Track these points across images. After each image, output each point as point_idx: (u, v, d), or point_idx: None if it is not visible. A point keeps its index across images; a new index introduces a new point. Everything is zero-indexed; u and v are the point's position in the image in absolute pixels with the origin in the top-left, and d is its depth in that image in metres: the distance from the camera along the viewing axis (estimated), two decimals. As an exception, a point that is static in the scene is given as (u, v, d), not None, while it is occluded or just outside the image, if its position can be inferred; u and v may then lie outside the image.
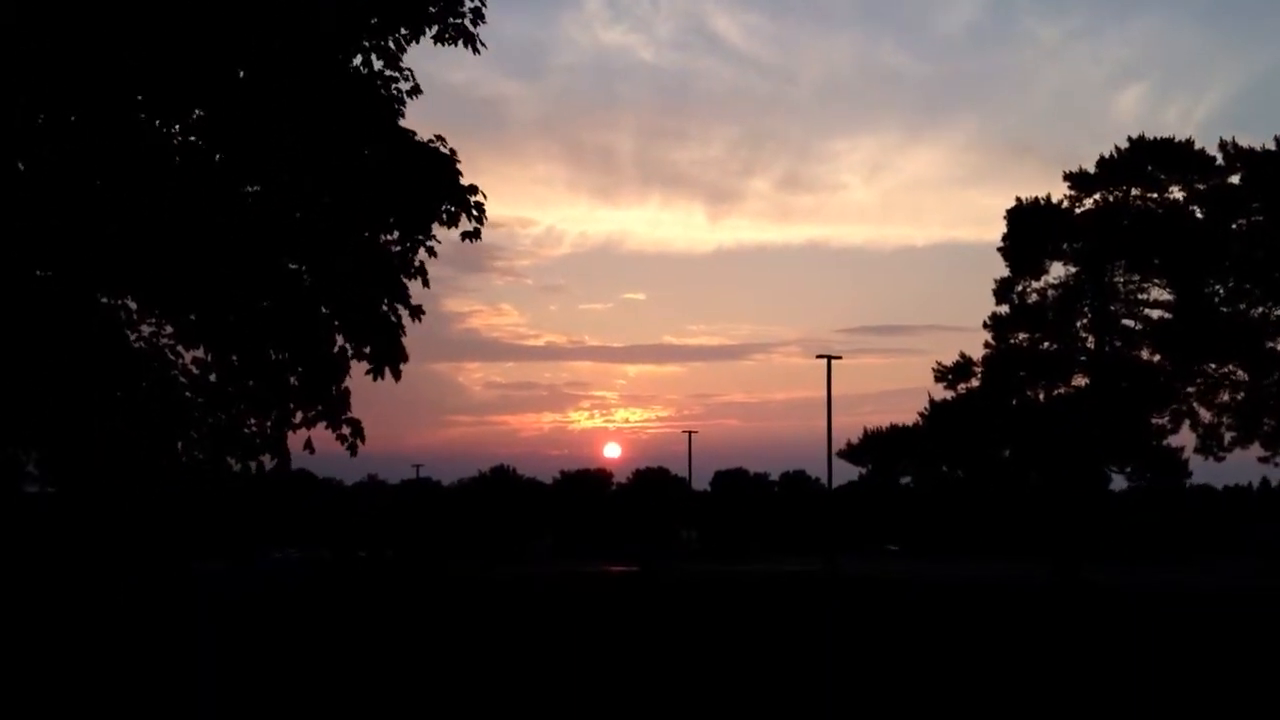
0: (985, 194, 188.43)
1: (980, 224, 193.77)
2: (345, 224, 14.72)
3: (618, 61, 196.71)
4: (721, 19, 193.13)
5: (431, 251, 14.92)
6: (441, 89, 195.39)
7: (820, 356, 65.76)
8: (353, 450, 14.63)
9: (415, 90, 15.07)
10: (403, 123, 14.95)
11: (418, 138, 14.92)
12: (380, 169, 14.53)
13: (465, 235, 14.84)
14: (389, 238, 15.05)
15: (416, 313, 15.03)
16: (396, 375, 14.77)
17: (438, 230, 14.66)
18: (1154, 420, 54.56)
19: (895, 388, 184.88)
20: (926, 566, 62.64)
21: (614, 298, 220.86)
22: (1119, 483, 61.50)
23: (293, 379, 14.66)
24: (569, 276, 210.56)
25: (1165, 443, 56.19)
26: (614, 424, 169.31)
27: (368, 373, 14.66)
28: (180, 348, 14.91)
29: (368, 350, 14.57)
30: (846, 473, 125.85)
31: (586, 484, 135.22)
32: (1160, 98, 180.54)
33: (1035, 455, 55.53)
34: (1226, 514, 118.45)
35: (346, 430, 14.62)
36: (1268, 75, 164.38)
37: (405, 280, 14.88)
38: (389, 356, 14.70)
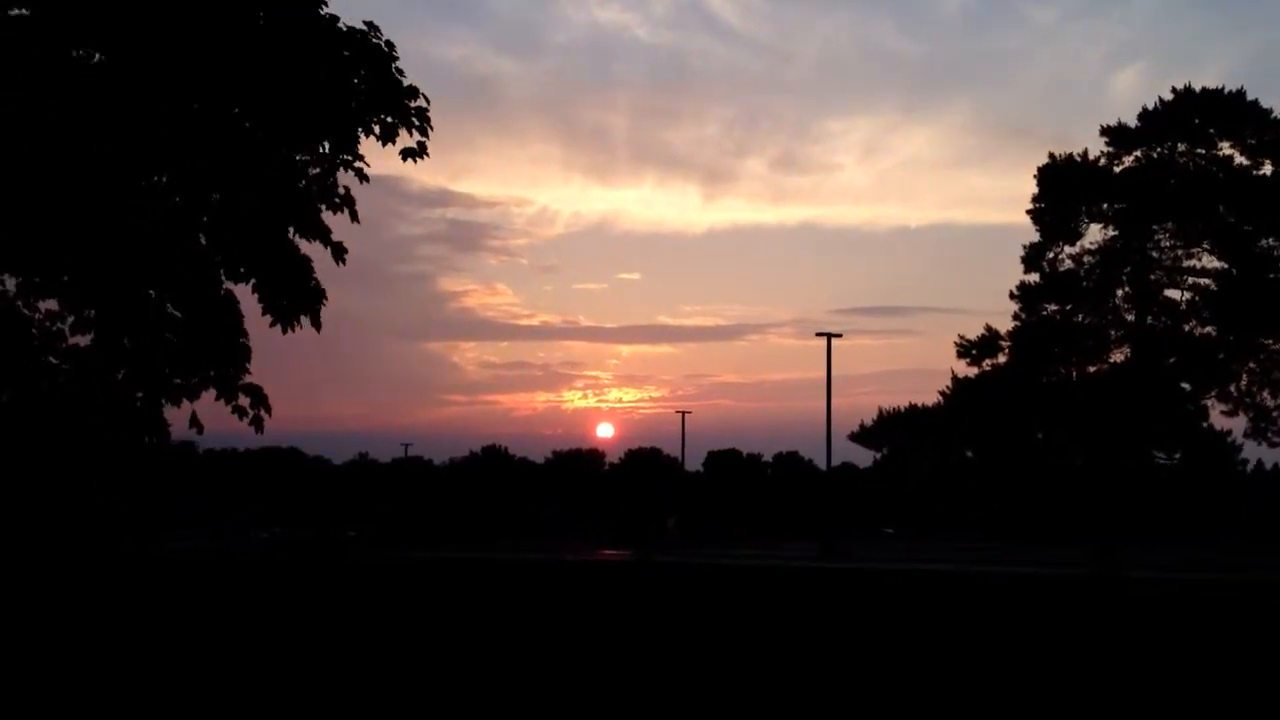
0: (981, 175, 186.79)
1: (976, 205, 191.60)
2: (233, 132, 11.89)
3: (613, 40, 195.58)
4: None
5: (361, 175, 12.30)
6: (436, 65, 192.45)
7: (820, 334, 63.13)
8: (256, 425, 12.11)
9: None
10: (325, 10, 12.01)
11: (341, 24, 12.02)
12: (286, 62, 11.73)
13: (406, 153, 12.08)
14: (301, 157, 12.36)
15: (339, 252, 12.35)
16: (315, 324, 12.25)
17: (369, 146, 12.02)
18: (1202, 400, 49.24)
19: (890, 369, 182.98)
20: (937, 552, 57.93)
21: (608, 278, 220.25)
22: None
23: (171, 336, 11.96)
24: (563, 256, 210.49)
25: (1211, 424, 51.04)
26: (607, 404, 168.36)
27: (274, 323, 12.07)
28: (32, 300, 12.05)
29: (266, 293, 12.03)
30: (854, 454, 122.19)
31: (579, 464, 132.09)
32: (1157, 79, 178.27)
33: (1071, 436, 50.24)
34: None
35: (245, 401, 11.98)
36: (1266, 55, 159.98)
37: (324, 209, 12.33)
38: (297, 300, 12.06)
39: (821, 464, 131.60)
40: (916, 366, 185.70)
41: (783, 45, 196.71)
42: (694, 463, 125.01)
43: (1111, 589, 26.43)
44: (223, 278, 12.12)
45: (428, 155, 12.14)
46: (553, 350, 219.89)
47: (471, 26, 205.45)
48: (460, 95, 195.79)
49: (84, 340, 12.03)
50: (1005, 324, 52.68)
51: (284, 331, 12.22)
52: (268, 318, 12.08)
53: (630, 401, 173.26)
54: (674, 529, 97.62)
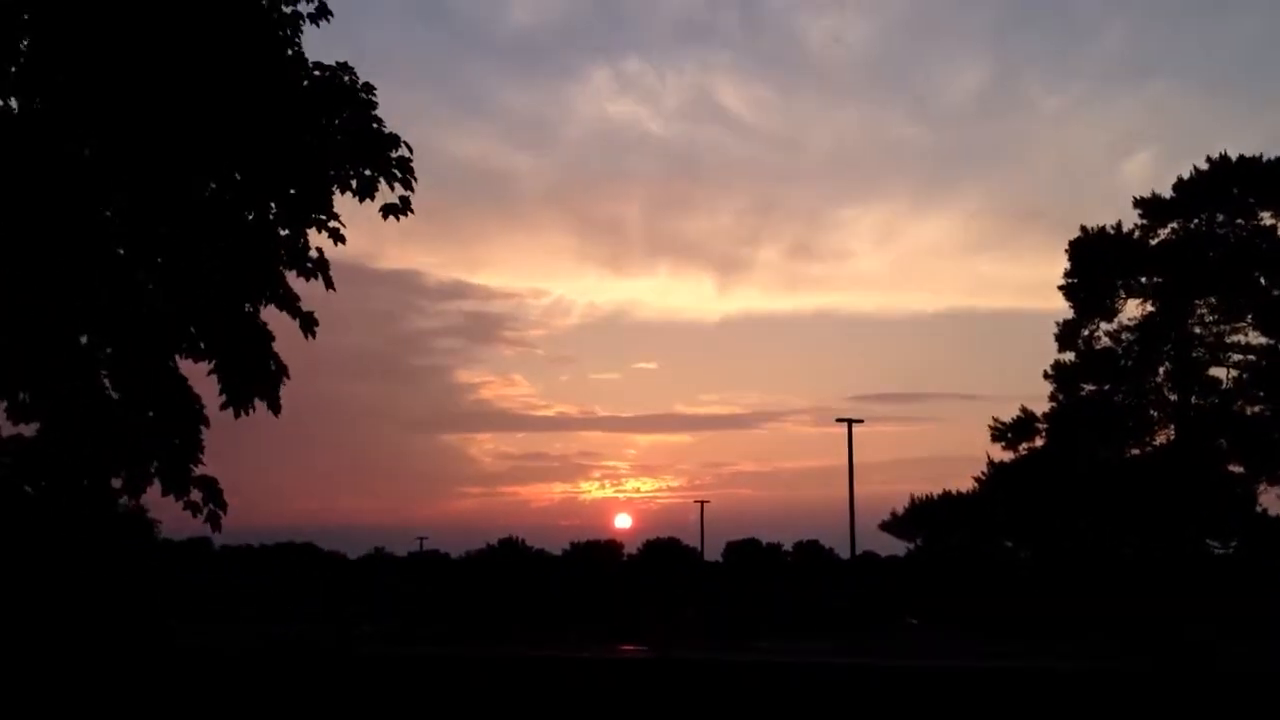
0: (994, 261, 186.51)
1: (991, 291, 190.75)
2: (184, 187, 10.46)
3: (625, 133, 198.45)
4: (728, 91, 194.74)
5: (337, 235, 10.94)
6: (452, 160, 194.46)
7: (840, 420, 62.83)
8: (213, 523, 11.03)
9: (322, 12, 11.01)
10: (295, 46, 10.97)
11: (312, 64, 10.85)
12: (251, 108, 10.41)
13: (387, 210, 10.87)
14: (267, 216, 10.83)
15: (308, 324, 11.03)
16: (274, 406, 10.96)
17: (345, 202, 10.80)
18: (1255, 485, 46.31)
19: (908, 456, 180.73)
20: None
21: (624, 367, 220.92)
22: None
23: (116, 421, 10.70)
24: (579, 346, 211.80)
25: (1265, 509, 47.96)
26: (625, 494, 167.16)
27: (224, 406, 10.80)
28: None
29: (223, 372, 10.77)
30: (875, 543, 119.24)
31: (596, 554, 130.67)
32: (1167, 163, 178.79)
33: (1117, 523, 47.34)
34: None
35: (197, 496, 10.79)
36: (1277, 140, 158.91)
37: (292, 275, 10.97)
38: (253, 379, 10.81)
39: (842, 552, 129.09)
40: (934, 454, 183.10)
41: (794, 135, 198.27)
42: (713, 552, 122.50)
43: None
44: (177, 356, 10.86)
45: (411, 212, 10.82)
46: (569, 441, 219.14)
47: (485, 122, 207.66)
48: (475, 189, 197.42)
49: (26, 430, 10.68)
50: (1030, 407, 50.30)
51: (236, 415, 10.85)
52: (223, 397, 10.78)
53: (648, 491, 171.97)
54: (693, 620, 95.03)
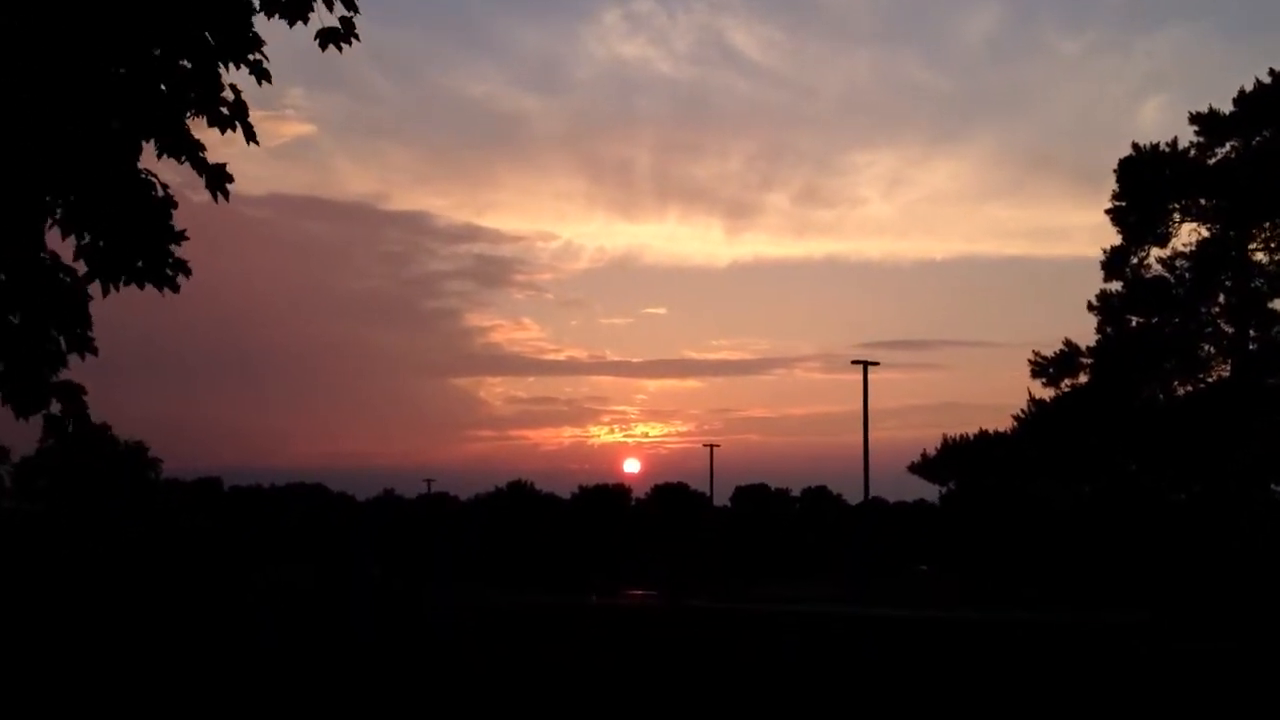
0: (1005, 207, 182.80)
1: (1001, 237, 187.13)
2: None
3: (636, 75, 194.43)
4: (740, 32, 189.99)
5: (260, 71, 8.37)
6: (462, 102, 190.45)
7: (856, 362, 62.37)
8: (61, 437, 11.02)
9: None
10: None
11: None
12: None
13: (326, 37, 8.42)
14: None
15: (217, 179, 8.40)
16: (167, 283, 8.42)
17: (269, 25, 8.17)
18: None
19: (915, 403, 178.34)
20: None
21: (634, 312, 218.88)
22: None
23: None
24: (589, 291, 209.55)
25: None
26: (634, 439, 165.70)
27: (89, 277, 8.17)
28: None
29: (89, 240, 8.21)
30: (883, 489, 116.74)
31: (605, 499, 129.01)
32: (1183, 109, 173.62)
33: (1164, 465, 43.78)
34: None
35: (55, 407, 8.35)
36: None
37: (193, 119, 8.32)
38: (135, 249, 8.35)
39: (850, 498, 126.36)
40: (942, 400, 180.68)
41: (806, 79, 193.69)
42: (722, 498, 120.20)
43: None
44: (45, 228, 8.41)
45: (357, 39, 8.58)
46: (579, 385, 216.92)
47: (496, 64, 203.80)
48: (485, 131, 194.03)
49: None
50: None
51: (105, 292, 8.40)
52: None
53: (657, 436, 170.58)
54: (703, 566, 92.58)
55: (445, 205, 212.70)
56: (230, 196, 8.59)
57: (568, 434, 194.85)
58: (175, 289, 8.55)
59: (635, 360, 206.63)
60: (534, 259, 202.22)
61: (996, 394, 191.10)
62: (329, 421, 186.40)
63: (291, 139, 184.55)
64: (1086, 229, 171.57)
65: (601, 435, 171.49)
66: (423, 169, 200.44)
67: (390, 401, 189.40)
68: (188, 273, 8.58)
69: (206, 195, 8.82)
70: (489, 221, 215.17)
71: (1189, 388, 45.15)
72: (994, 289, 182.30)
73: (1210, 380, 45.12)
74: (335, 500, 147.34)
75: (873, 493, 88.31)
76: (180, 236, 8.55)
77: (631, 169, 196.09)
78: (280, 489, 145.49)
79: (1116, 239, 46.77)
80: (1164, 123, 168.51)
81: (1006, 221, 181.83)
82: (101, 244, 8.32)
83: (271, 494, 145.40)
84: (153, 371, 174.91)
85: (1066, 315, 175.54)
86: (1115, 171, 46.69)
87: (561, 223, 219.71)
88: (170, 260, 8.54)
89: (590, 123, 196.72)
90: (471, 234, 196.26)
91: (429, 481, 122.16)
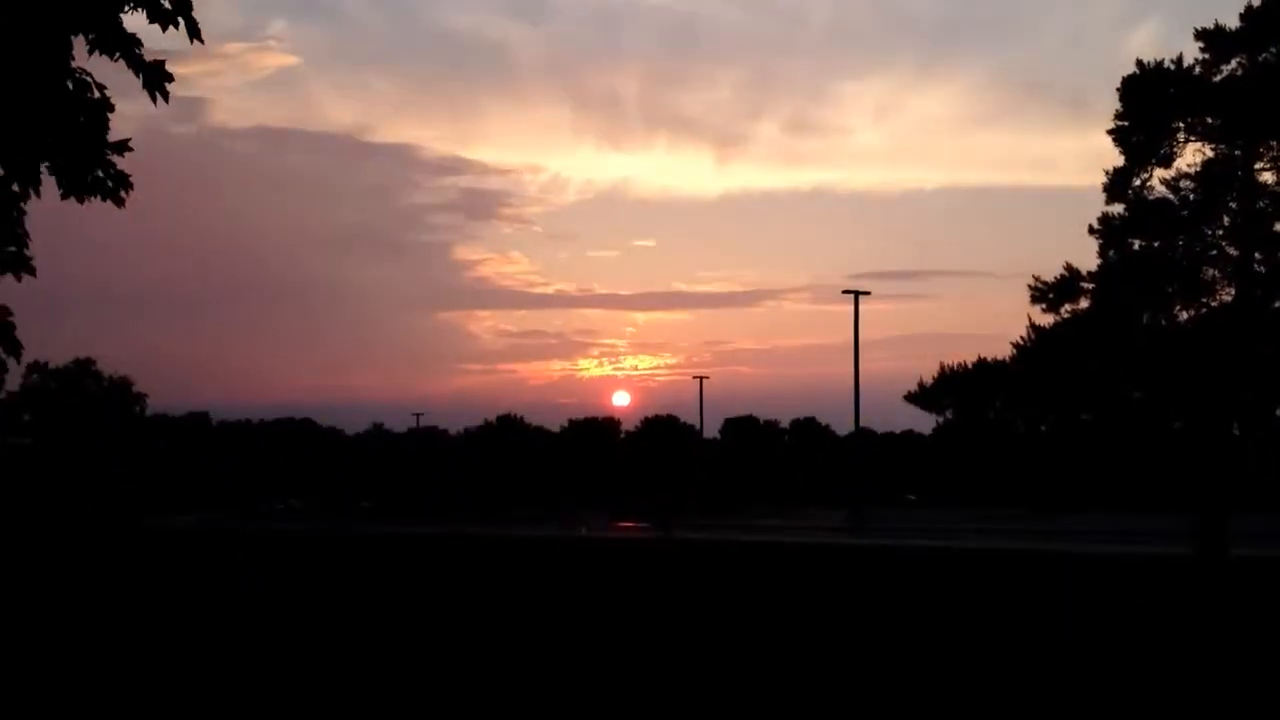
0: (996, 135, 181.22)
1: (991, 166, 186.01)
2: None
3: (623, 3, 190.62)
4: None
5: None
6: (447, 32, 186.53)
7: (847, 292, 63.28)
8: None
9: None
10: None
11: None
12: None
13: None
14: None
15: (155, 78, 7.75)
16: (109, 194, 7.89)
17: None
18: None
19: (905, 334, 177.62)
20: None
21: (623, 244, 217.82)
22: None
23: None
24: (577, 223, 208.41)
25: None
26: (623, 372, 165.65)
27: (8, 177, 7.62)
28: None
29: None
30: (873, 420, 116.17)
31: (595, 432, 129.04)
32: (1174, 36, 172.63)
33: (1166, 392, 42.90)
34: None
35: None
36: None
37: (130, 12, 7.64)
38: (71, 155, 7.67)
39: (839, 429, 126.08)
40: (933, 330, 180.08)
41: (794, 6, 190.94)
42: (711, 429, 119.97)
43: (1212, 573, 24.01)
44: None
45: None
46: (569, 318, 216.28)
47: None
48: (470, 62, 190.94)
49: None
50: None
51: (25, 198, 7.86)
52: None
53: (646, 369, 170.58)
54: (693, 499, 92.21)
55: (431, 137, 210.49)
56: (170, 98, 7.66)
57: (557, 367, 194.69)
58: (119, 203, 7.87)
59: (624, 293, 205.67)
60: (521, 191, 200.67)
61: (986, 323, 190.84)
62: (317, 356, 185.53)
63: (274, 70, 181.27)
64: (1078, 156, 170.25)
65: (590, 368, 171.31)
66: (407, 101, 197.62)
67: (379, 336, 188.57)
68: (129, 186, 7.91)
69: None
70: (474, 154, 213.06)
71: (1191, 312, 44.19)
72: (984, 218, 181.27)
73: (1213, 304, 44.16)
74: (324, 435, 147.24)
75: (862, 424, 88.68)
76: (123, 146, 7.94)
77: (619, 99, 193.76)
78: (268, 424, 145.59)
79: (1112, 163, 45.57)
80: (1157, 49, 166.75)
81: (999, 150, 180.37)
82: (30, 148, 7.59)
83: (260, 429, 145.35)
84: (138, 307, 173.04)
85: (1058, 244, 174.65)
86: (1118, 90, 45.29)
87: (548, 154, 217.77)
88: (112, 171, 7.89)
89: (577, 52, 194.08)
90: (458, 166, 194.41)
91: (418, 415, 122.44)
